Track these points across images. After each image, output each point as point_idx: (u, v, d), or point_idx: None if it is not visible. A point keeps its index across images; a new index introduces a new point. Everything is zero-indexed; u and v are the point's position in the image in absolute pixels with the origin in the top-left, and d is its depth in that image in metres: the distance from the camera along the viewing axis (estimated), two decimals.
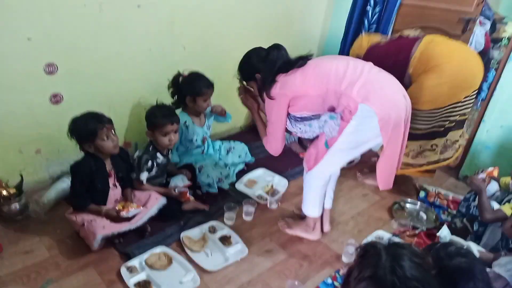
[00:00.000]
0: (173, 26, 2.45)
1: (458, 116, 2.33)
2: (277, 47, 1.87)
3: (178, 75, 2.38)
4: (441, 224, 2.15)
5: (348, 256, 1.96)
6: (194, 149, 2.55)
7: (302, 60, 1.81)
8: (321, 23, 3.55)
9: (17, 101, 2.03)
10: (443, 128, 2.34)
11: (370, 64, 1.81)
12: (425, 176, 2.65)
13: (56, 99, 2.16)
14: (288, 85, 1.79)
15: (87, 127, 1.81)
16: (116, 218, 1.88)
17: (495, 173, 2.14)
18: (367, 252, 1.07)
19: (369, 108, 1.66)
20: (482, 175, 2.10)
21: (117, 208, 1.89)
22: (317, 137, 1.97)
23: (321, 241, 2.11)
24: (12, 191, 2.02)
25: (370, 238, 2.12)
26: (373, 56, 2.38)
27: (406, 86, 2.26)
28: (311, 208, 2.04)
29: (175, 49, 2.55)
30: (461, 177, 2.87)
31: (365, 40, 2.57)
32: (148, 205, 2.00)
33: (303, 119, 1.90)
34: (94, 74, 2.24)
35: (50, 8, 1.94)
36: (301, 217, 2.18)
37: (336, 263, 1.96)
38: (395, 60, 2.28)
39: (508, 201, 2.01)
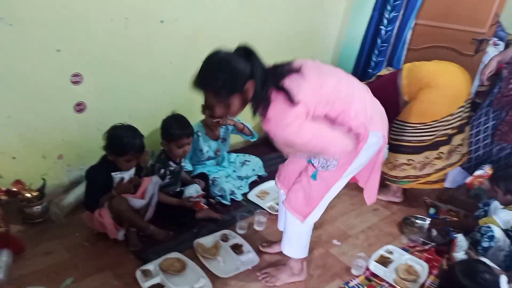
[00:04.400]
0: (195, 41, 2.55)
1: (458, 122, 2.42)
2: (250, 49, 1.42)
3: None
4: (450, 241, 2.17)
5: (358, 268, 1.99)
6: (206, 160, 2.62)
7: (295, 68, 1.41)
8: (337, 31, 3.64)
9: (43, 109, 2.13)
10: (446, 137, 2.42)
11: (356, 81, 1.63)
12: (434, 187, 2.67)
13: (79, 107, 2.26)
14: (304, 97, 1.36)
15: (120, 144, 1.91)
16: (124, 186, 1.97)
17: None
18: None
19: (379, 134, 1.52)
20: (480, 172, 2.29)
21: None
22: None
23: (331, 253, 2.15)
24: (35, 194, 2.10)
25: (380, 252, 2.15)
26: None
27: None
28: (301, 250, 1.83)
29: (197, 63, 2.64)
30: (472, 195, 2.87)
31: None
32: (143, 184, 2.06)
33: None
34: (117, 84, 2.35)
35: (79, 22, 2.05)
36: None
37: (345, 276, 1.99)
38: (384, 94, 2.37)
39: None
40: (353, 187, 2.28)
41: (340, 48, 3.67)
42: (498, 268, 1.84)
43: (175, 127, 2.18)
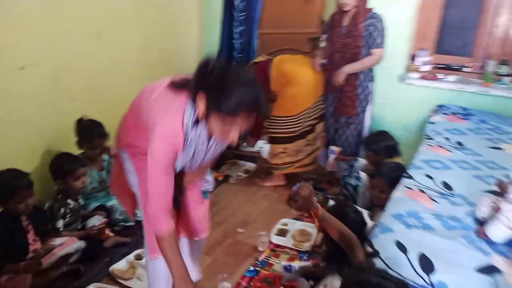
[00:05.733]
0: (58, 82, 2.57)
1: (318, 113, 2.95)
2: None
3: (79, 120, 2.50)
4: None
5: (262, 244, 2.31)
6: (93, 191, 2.60)
7: None
8: (196, 50, 3.96)
9: None
10: (311, 126, 2.94)
11: None
12: (308, 169, 3.14)
13: None
14: None
15: (5, 186, 1.87)
16: (36, 266, 1.90)
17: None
18: None
19: None
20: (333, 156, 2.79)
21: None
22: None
23: (238, 240, 2.42)
24: None
25: (277, 226, 2.50)
26: None
27: (273, 101, 2.89)
28: None
29: (63, 102, 2.66)
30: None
31: None
32: (64, 245, 2.05)
33: None
34: None
35: None
36: None
37: (254, 253, 2.29)
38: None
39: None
40: (244, 184, 2.69)
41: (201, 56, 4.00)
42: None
43: (66, 162, 2.22)
